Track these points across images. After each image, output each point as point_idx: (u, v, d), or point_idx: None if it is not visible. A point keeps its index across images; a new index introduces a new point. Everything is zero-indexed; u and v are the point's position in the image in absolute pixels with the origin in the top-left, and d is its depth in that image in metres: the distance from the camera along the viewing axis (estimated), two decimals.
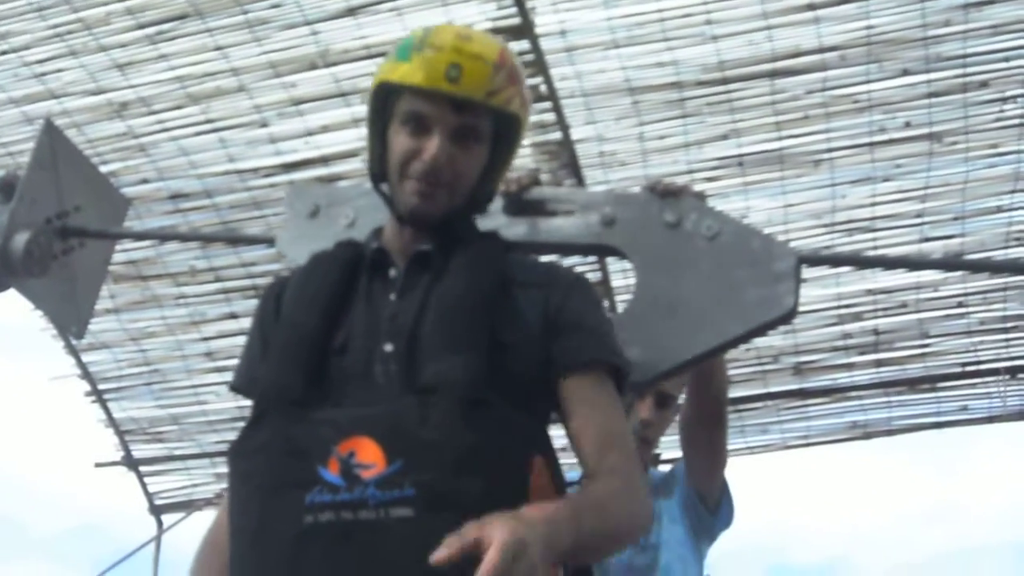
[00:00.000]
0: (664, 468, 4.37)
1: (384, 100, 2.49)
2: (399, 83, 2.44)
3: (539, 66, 6.65)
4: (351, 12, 6.72)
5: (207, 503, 8.91)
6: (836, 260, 5.28)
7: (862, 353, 7.81)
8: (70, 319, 3.93)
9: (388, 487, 2.06)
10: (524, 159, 6.99)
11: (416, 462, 2.08)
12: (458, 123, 2.42)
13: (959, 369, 7.82)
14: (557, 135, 6.97)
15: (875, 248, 7.14)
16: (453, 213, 2.50)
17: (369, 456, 2.10)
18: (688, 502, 3.95)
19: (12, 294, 3.66)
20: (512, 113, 2.49)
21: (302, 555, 2.08)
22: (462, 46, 2.42)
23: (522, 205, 3.18)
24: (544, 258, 2.93)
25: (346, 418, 2.18)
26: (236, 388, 2.59)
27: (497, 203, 3.16)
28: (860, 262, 7.02)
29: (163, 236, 7.53)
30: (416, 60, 2.42)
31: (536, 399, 2.36)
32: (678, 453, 4.06)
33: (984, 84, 6.56)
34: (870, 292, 7.49)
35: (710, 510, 3.95)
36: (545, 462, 2.24)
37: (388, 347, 2.32)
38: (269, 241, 3.67)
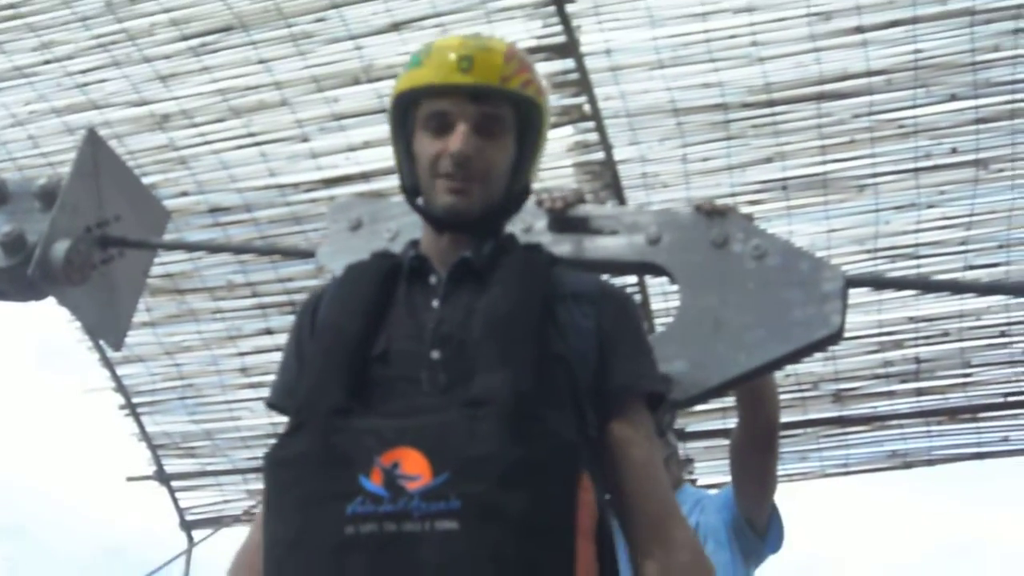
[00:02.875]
0: (710, 492, 4.33)
1: (403, 114, 2.50)
2: (414, 87, 2.46)
3: (583, 85, 6.63)
4: (395, 27, 6.73)
5: (237, 519, 8.91)
6: (885, 283, 5.23)
7: (903, 381, 7.72)
8: (108, 329, 3.91)
9: (433, 499, 2.02)
10: (566, 179, 6.97)
11: (463, 475, 2.03)
12: (478, 113, 2.43)
13: (1001, 399, 7.72)
14: (600, 155, 6.95)
15: (919, 275, 7.05)
16: (490, 210, 2.48)
17: (414, 467, 2.05)
18: (737, 526, 3.91)
19: (50, 303, 3.64)
20: (529, 97, 2.49)
21: (342, 566, 2.03)
22: (468, 42, 2.47)
23: (567, 223, 3.16)
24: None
25: (390, 428, 2.13)
26: (273, 405, 2.56)
27: (542, 220, 3.15)
28: (907, 285, 6.97)
29: (204, 247, 7.52)
30: (427, 63, 2.45)
31: (586, 411, 2.32)
32: (714, 478, 4.02)
33: None
34: (912, 320, 7.42)
35: (758, 534, 3.91)
36: (592, 478, 2.19)
37: (435, 354, 2.28)
38: (310, 254, 3.65)
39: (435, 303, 2.39)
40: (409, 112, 2.49)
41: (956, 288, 6.88)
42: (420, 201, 2.53)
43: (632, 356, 2.43)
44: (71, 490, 17.37)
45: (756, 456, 3.81)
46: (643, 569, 2.28)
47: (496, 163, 2.46)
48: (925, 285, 6.68)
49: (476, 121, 2.42)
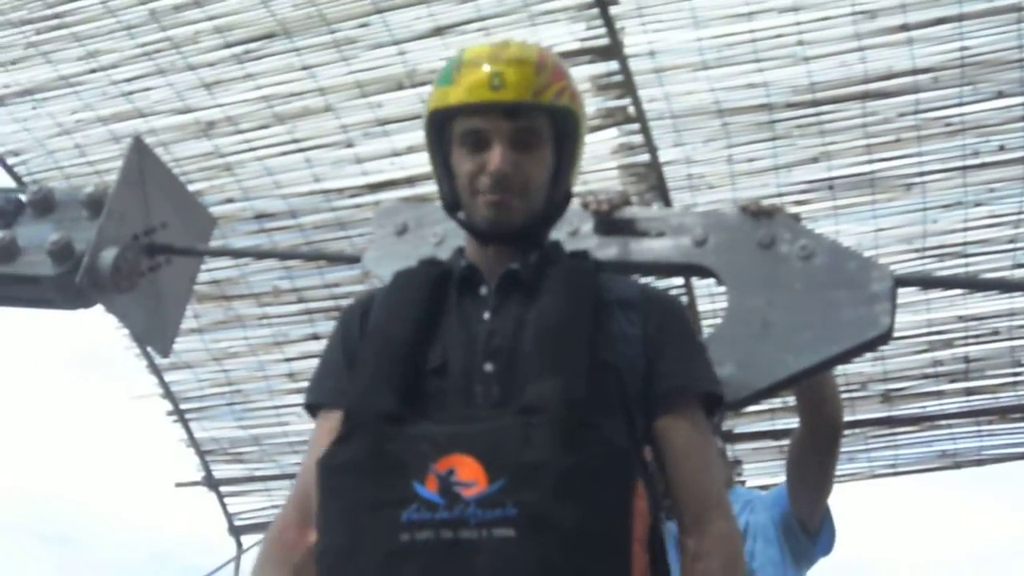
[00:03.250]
0: (760, 492, 4.29)
1: (439, 129, 2.50)
2: (448, 107, 2.45)
3: (627, 87, 6.61)
4: (438, 32, 6.73)
5: None
6: (933, 283, 5.18)
7: (952, 381, 7.66)
8: (156, 336, 3.91)
9: (490, 506, 2.02)
10: (611, 181, 6.95)
11: (518, 482, 2.03)
12: (513, 129, 2.41)
13: None
14: (645, 157, 6.93)
15: (967, 274, 7.00)
16: (532, 220, 2.47)
17: (470, 474, 2.05)
18: (787, 526, 3.87)
19: (98, 311, 3.66)
20: (564, 107, 2.47)
21: (397, 574, 2.04)
22: (499, 54, 2.44)
23: (613, 225, 3.14)
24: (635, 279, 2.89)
25: (445, 435, 2.13)
26: (312, 405, 2.54)
27: (588, 223, 3.13)
28: (956, 284, 6.91)
29: (250, 253, 7.56)
30: (458, 80, 2.42)
31: (637, 417, 2.31)
32: (762, 480, 3.99)
33: None
34: (961, 319, 7.35)
35: (810, 536, 3.87)
36: (644, 485, 2.18)
37: (488, 367, 2.28)
38: (356, 259, 3.64)
39: (486, 315, 2.38)
40: (444, 129, 2.48)
41: (1005, 286, 6.82)
42: (461, 215, 2.53)
43: (683, 357, 2.42)
44: (119, 497, 17.45)
45: (816, 457, 3.76)
46: (684, 557, 2.28)
47: (534, 176, 2.44)
48: (974, 284, 6.63)
49: (512, 137, 2.41)
